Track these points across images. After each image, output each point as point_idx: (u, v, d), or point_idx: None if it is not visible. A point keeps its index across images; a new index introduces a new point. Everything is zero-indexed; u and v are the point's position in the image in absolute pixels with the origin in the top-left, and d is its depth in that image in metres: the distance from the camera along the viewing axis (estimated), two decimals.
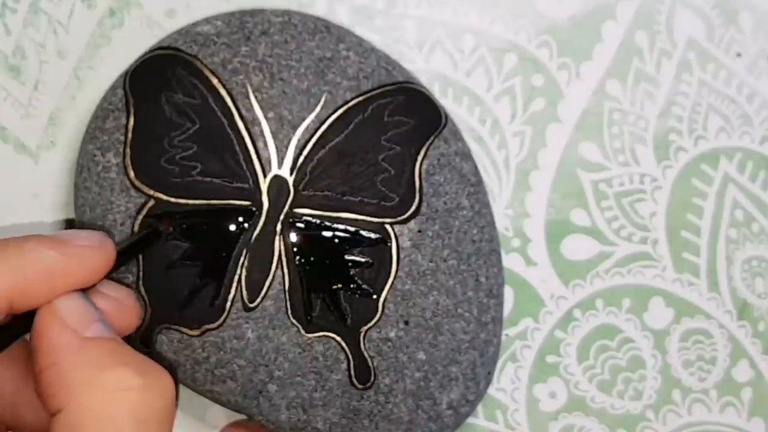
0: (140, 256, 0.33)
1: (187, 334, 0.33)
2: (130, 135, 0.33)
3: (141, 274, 0.33)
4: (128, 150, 0.33)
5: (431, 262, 0.34)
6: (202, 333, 0.33)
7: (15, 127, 0.36)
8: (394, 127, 0.34)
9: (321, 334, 0.33)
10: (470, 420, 0.38)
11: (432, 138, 0.34)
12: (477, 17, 0.37)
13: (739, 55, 0.38)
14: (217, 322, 0.33)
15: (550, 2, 0.38)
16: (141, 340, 0.33)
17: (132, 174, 0.33)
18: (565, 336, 0.38)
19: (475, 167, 0.35)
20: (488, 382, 0.35)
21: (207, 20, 0.34)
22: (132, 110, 0.33)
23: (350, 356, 0.34)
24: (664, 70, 0.38)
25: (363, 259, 0.34)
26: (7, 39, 0.36)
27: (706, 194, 0.39)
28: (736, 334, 0.39)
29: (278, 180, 0.33)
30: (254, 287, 0.33)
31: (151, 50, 0.34)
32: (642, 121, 0.38)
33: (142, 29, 0.36)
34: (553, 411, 0.38)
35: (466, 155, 0.35)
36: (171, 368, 0.32)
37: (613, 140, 0.38)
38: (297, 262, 0.33)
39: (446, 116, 0.35)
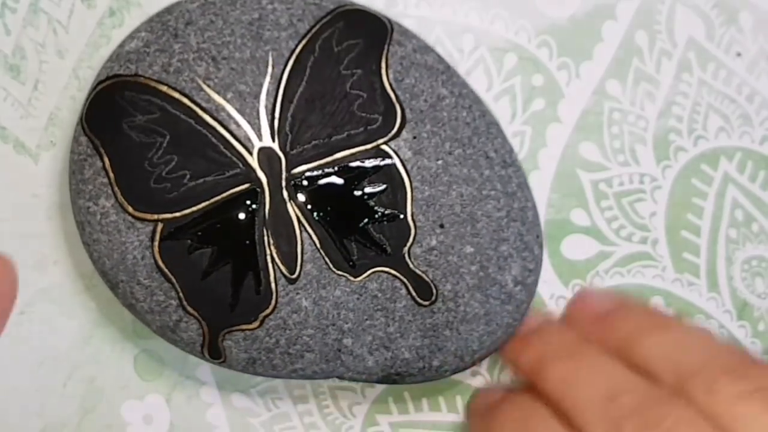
0: (173, 279, 0.33)
1: (248, 329, 0.33)
2: (111, 174, 0.33)
3: (181, 295, 0.33)
4: (116, 188, 0.33)
5: (438, 160, 0.34)
6: (262, 322, 0.33)
7: (15, 126, 0.36)
8: (346, 53, 0.34)
9: (369, 272, 0.34)
10: None
11: (386, 47, 0.34)
12: (477, 17, 0.37)
13: (739, 54, 0.38)
14: (271, 306, 0.33)
15: (550, 2, 0.38)
16: (210, 354, 0.34)
17: (130, 208, 0.33)
18: None
19: (439, 56, 0.35)
20: (540, 245, 0.35)
21: (131, 36, 0.34)
22: (102, 151, 0.33)
23: (405, 280, 0.34)
24: (664, 69, 0.38)
25: (376, 188, 0.34)
26: (7, 39, 0.36)
27: (706, 194, 0.39)
28: (736, 334, 0.39)
29: (265, 151, 0.33)
30: (289, 259, 0.33)
31: (93, 88, 0.34)
32: (642, 120, 0.38)
33: None
34: None
35: (425, 48, 0.35)
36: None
37: (612, 140, 0.38)
38: (317, 218, 0.33)
39: (390, 21, 0.34)
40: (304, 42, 0.34)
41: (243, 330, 0.33)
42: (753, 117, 0.38)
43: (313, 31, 0.34)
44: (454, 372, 0.35)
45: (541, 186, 0.38)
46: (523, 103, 0.38)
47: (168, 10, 0.34)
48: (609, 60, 0.38)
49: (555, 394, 0.31)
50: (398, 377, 0.35)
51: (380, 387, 0.38)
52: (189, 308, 0.33)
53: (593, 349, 0.32)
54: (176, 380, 0.37)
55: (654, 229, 0.38)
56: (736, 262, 0.39)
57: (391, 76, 0.34)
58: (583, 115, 0.38)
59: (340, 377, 0.35)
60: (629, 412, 0.28)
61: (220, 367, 0.36)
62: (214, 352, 0.34)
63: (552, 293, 0.38)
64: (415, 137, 0.34)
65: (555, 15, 0.38)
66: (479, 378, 0.38)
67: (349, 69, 0.34)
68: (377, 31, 0.34)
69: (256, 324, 0.33)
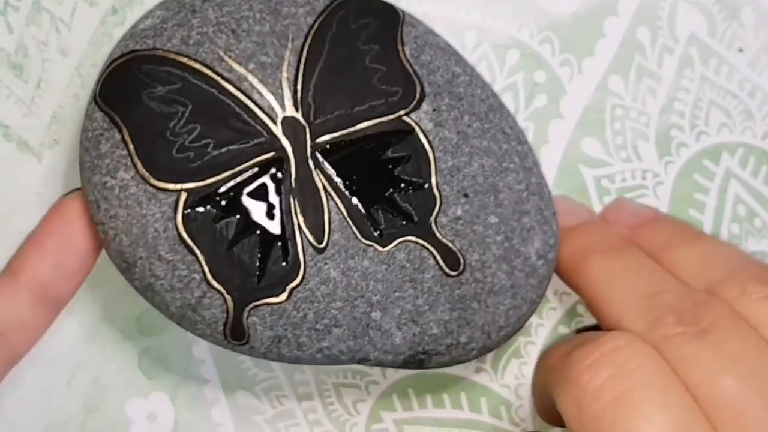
0: (197, 251, 0.32)
1: (275, 303, 0.32)
2: (131, 145, 0.32)
3: (205, 268, 0.32)
4: (137, 160, 0.32)
5: (458, 132, 0.34)
6: (290, 294, 0.32)
7: (18, 125, 0.36)
8: (363, 30, 0.34)
9: (397, 242, 0.33)
10: (474, 416, 0.38)
11: (399, 27, 0.35)
12: (479, 14, 0.38)
13: (741, 50, 0.39)
14: (299, 277, 0.32)
15: None
16: (233, 335, 0.32)
17: (152, 179, 0.32)
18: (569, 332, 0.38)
19: (446, 41, 0.35)
20: (557, 222, 0.35)
21: (145, 16, 0.34)
22: (120, 123, 0.32)
23: (433, 249, 0.33)
24: (666, 65, 0.38)
25: (400, 158, 0.33)
26: (10, 37, 0.36)
27: (708, 190, 0.39)
28: None
29: (289, 120, 0.33)
30: (316, 228, 0.33)
31: (107, 66, 0.33)
32: (644, 116, 0.38)
33: None
34: None
35: (434, 33, 0.35)
36: None
37: (615, 136, 0.38)
38: (343, 187, 0.33)
39: (401, 9, 0.35)
40: (321, 18, 0.34)
41: (269, 304, 0.32)
42: (755, 112, 0.39)
43: (330, 8, 0.34)
44: (481, 352, 0.34)
45: None
46: (525, 99, 0.38)
47: None
48: (611, 56, 0.38)
49: (594, 285, 0.31)
50: (425, 356, 0.34)
51: (384, 384, 0.38)
52: (213, 282, 0.32)
53: (635, 248, 0.32)
54: (180, 378, 0.37)
55: None
56: None
57: (407, 52, 0.34)
58: (586, 112, 0.38)
59: (366, 359, 0.33)
60: (670, 309, 0.29)
61: (224, 365, 0.36)
62: (237, 332, 0.32)
63: (556, 289, 0.38)
64: (434, 110, 0.34)
65: (557, 11, 0.38)
66: (483, 375, 0.38)
67: (367, 44, 0.34)
68: (389, 14, 0.35)
69: (283, 296, 0.32)
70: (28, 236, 0.34)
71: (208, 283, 0.32)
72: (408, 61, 0.34)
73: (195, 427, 0.37)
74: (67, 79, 0.36)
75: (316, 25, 0.34)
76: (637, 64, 0.38)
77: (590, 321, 0.38)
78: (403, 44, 0.34)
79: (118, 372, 0.37)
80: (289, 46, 0.33)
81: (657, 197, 0.38)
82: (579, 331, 0.38)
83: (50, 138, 0.36)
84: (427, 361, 0.34)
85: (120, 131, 0.32)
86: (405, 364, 0.34)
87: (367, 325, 0.33)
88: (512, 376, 0.38)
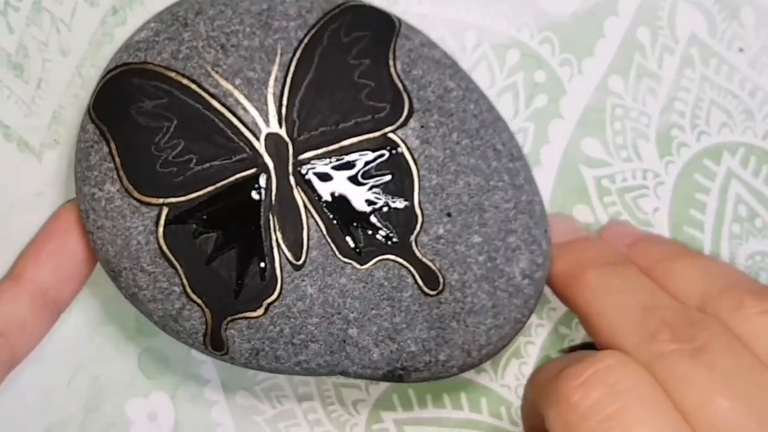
0: (177, 265, 0.33)
1: (252, 317, 0.33)
2: (117, 159, 0.33)
3: (185, 281, 0.33)
4: (122, 173, 0.33)
5: (446, 149, 0.34)
6: (266, 309, 0.33)
7: (18, 125, 0.36)
8: (354, 44, 0.34)
9: (376, 260, 0.33)
10: (474, 416, 0.38)
11: (393, 40, 0.34)
12: (479, 14, 0.38)
13: (741, 50, 0.38)
14: (276, 293, 0.33)
15: None
16: (212, 346, 0.33)
17: (135, 192, 0.33)
18: (570, 332, 0.38)
19: (445, 52, 0.35)
20: (548, 241, 0.35)
21: (141, 28, 0.34)
22: (109, 136, 0.33)
23: (411, 268, 0.33)
24: (666, 65, 0.38)
25: (383, 175, 0.33)
26: (10, 37, 0.36)
27: (709, 190, 0.39)
28: None
29: (272, 137, 0.33)
30: (294, 245, 0.33)
31: (102, 77, 0.34)
32: (644, 116, 0.38)
33: None
34: None
35: (432, 44, 0.35)
36: None
37: (615, 136, 0.38)
38: (323, 204, 0.33)
39: (398, 18, 0.35)
40: (312, 32, 0.34)
41: (247, 318, 0.33)
42: (756, 112, 0.38)
43: (322, 22, 0.34)
44: (461, 369, 0.34)
45: (543, 182, 0.38)
46: (525, 99, 0.38)
47: (178, 3, 0.34)
48: (611, 56, 0.38)
49: (590, 298, 0.31)
50: (404, 372, 0.34)
51: (384, 384, 0.38)
52: (192, 295, 0.33)
53: (632, 265, 0.32)
54: (180, 378, 0.37)
55: (657, 224, 0.38)
56: (740, 257, 0.39)
57: (399, 67, 0.34)
58: (586, 112, 0.38)
59: (344, 373, 0.34)
60: (665, 324, 0.29)
61: (224, 365, 0.36)
62: (216, 343, 0.33)
63: None
64: (422, 126, 0.34)
65: (557, 11, 0.38)
66: (484, 375, 0.38)
67: (358, 59, 0.34)
68: (385, 25, 0.34)
69: (260, 311, 0.33)
70: (30, 241, 0.34)
71: (187, 295, 0.33)
72: (398, 75, 0.34)
73: (195, 427, 0.37)
74: (67, 79, 0.36)
75: (306, 40, 0.34)
76: (637, 64, 0.38)
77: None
78: (395, 58, 0.34)
79: (119, 372, 0.37)
80: (277, 60, 0.34)
81: (658, 197, 0.38)
82: (571, 349, 0.38)
83: (50, 138, 0.36)
84: (406, 376, 0.34)
85: (108, 144, 0.33)
86: (384, 378, 0.34)
87: (344, 341, 0.34)
88: (512, 376, 0.38)
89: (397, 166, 0.33)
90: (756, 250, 0.39)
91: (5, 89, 0.36)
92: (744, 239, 0.39)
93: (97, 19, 0.37)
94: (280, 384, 0.37)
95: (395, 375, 0.34)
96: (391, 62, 0.34)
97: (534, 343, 0.38)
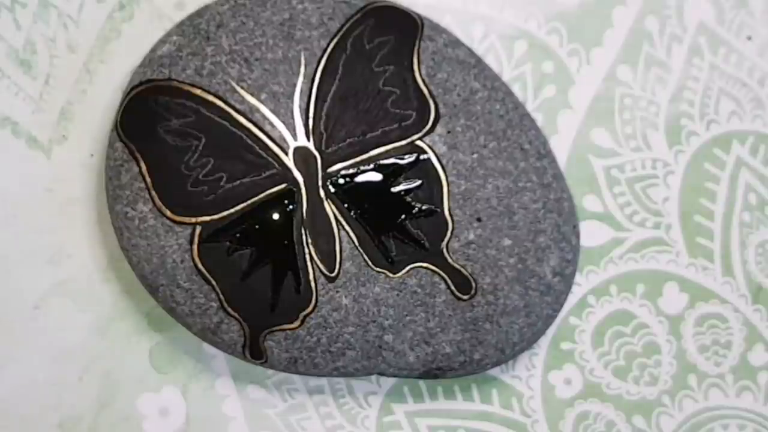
0: (213, 282, 0.33)
1: (289, 329, 0.34)
2: (148, 179, 0.33)
3: (221, 297, 0.33)
4: (153, 193, 0.33)
5: (473, 153, 0.34)
6: (303, 321, 0.33)
7: (26, 121, 0.36)
8: (378, 50, 0.34)
9: (408, 268, 0.34)
10: (485, 407, 0.38)
11: (417, 43, 0.34)
12: (487, 5, 0.37)
13: (749, 38, 0.38)
14: (311, 305, 0.33)
15: None
16: (252, 356, 0.34)
17: (168, 213, 0.33)
18: (580, 322, 0.38)
19: (469, 49, 0.35)
20: (578, 236, 0.35)
21: (163, 41, 0.34)
22: (138, 156, 0.33)
23: (444, 275, 0.34)
24: (675, 54, 0.38)
25: (412, 184, 0.34)
26: (18, 33, 0.36)
27: (718, 178, 0.38)
28: (751, 318, 0.39)
29: (300, 150, 0.33)
30: (328, 258, 0.33)
31: (127, 93, 0.34)
32: (653, 106, 0.38)
33: (151, 22, 0.36)
34: (568, 398, 0.38)
35: (455, 42, 0.35)
36: None
37: (624, 126, 0.38)
38: (354, 216, 0.33)
39: (420, 17, 0.35)
40: (335, 40, 0.34)
41: (284, 330, 0.34)
42: (765, 100, 0.38)
43: (344, 29, 0.34)
44: (495, 365, 0.35)
45: None
46: (534, 90, 0.38)
47: (198, 14, 0.34)
48: (619, 46, 0.38)
49: None
50: (439, 371, 0.35)
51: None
52: (230, 310, 0.33)
53: None
54: (192, 372, 0.37)
55: (667, 214, 0.38)
56: (750, 246, 0.39)
57: (423, 71, 0.34)
58: (595, 101, 0.38)
59: (381, 373, 0.35)
60: None
61: (235, 359, 0.36)
62: (255, 353, 0.34)
63: None
64: (449, 132, 0.34)
65: (565, 1, 0.38)
66: (501, 366, 0.38)
67: (382, 66, 0.34)
68: (408, 27, 0.34)
69: (297, 323, 0.33)
70: None
71: (224, 310, 0.33)
72: (423, 80, 0.34)
73: (207, 421, 0.37)
74: (75, 75, 0.36)
75: (329, 49, 0.34)
76: (645, 53, 0.38)
77: (600, 311, 0.38)
78: (419, 63, 0.34)
79: (130, 367, 0.37)
80: (302, 72, 0.33)
81: (668, 186, 0.38)
82: None
83: (59, 134, 0.36)
84: (441, 375, 0.35)
85: (138, 164, 0.33)
86: (421, 377, 0.35)
87: (380, 347, 0.34)
88: (523, 367, 0.38)
89: (425, 173, 0.34)
90: (767, 238, 0.38)
91: (13, 85, 0.36)
92: (754, 228, 0.38)
93: (104, 15, 0.36)
94: (291, 377, 0.37)
95: (431, 374, 0.35)
96: (415, 67, 0.34)
97: (545, 334, 0.38)
